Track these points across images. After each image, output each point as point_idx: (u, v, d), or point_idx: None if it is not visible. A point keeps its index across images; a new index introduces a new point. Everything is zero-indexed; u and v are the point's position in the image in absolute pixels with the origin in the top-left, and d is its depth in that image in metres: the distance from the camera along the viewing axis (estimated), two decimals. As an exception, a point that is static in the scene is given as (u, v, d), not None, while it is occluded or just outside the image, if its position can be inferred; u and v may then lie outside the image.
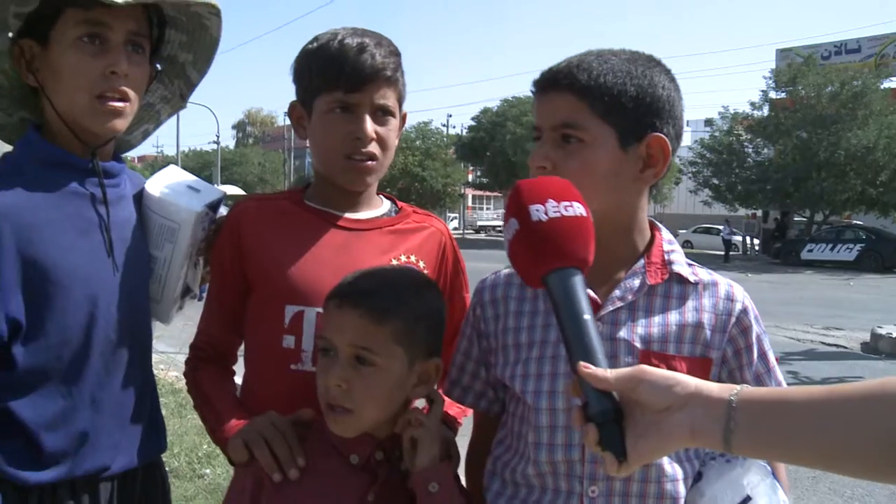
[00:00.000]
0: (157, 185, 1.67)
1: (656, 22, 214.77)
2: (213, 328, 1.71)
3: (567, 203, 1.14)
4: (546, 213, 1.13)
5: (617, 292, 1.40)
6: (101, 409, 1.54)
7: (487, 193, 62.31)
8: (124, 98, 1.51)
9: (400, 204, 1.77)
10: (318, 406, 1.42)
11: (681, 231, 37.02)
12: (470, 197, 66.03)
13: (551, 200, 1.14)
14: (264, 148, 79.19)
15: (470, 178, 51.47)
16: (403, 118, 1.71)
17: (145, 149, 79.41)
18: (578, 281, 1.11)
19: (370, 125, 1.59)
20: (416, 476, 1.39)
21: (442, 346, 1.51)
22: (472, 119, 46.48)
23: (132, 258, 1.60)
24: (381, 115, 1.61)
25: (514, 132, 40.16)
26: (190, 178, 1.74)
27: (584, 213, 1.16)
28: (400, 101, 1.66)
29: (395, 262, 1.63)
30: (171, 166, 1.77)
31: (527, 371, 1.43)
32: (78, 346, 1.50)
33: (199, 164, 65.07)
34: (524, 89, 48.40)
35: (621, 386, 1.01)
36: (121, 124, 1.54)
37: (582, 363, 1.04)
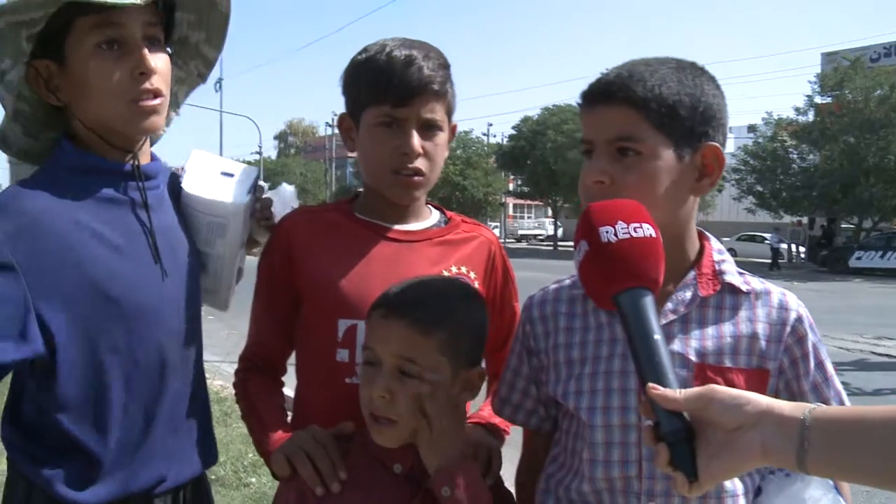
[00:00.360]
0: (194, 183, 1.64)
1: (697, 26, 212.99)
2: (264, 338, 1.71)
3: (636, 224, 1.15)
4: (616, 235, 1.13)
5: (669, 305, 1.38)
6: (155, 420, 1.52)
7: (528, 202, 62.30)
8: (157, 94, 1.47)
9: (449, 214, 1.77)
10: None
11: (724, 239, 36.53)
12: (511, 206, 65.98)
13: (621, 222, 1.14)
14: (306, 158, 79.98)
15: (511, 186, 51.47)
16: (453, 130, 1.70)
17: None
18: (649, 301, 1.11)
19: (417, 140, 1.57)
20: (430, 479, 1.38)
21: (482, 355, 1.50)
22: (513, 128, 46.58)
23: (181, 263, 1.57)
24: (429, 129, 1.60)
25: (554, 140, 40.08)
26: (219, 162, 1.72)
27: (654, 235, 1.16)
28: (449, 113, 1.64)
29: (445, 274, 1.62)
30: (196, 153, 1.73)
31: (580, 387, 1.41)
32: (129, 356, 1.47)
33: (241, 174, 65.87)
34: (564, 97, 48.34)
35: (691, 406, 1.01)
36: (159, 121, 1.51)
37: (651, 384, 1.04)
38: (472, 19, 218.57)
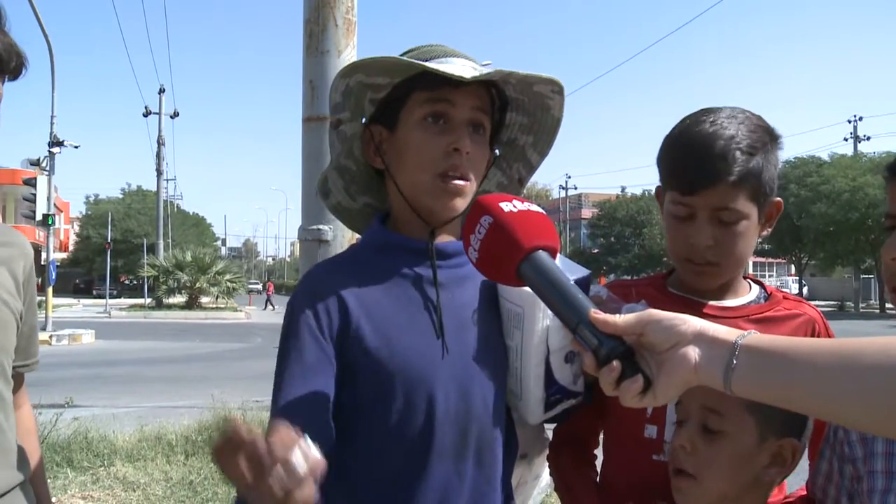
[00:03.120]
0: None
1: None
2: (576, 414, 1.65)
3: (528, 204, 1.19)
4: (515, 207, 1.17)
5: None
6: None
7: (769, 260, 59.38)
8: (465, 177, 1.45)
9: (769, 289, 1.69)
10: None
11: None
12: (750, 264, 62.93)
13: (515, 201, 1.19)
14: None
15: (750, 243, 49.17)
16: (776, 206, 1.60)
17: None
18: (551, 259, 1.13)
19: (707, 231, 1.51)
20: None
21: (804, 430, 1.40)
22: (751, 182, 44.70)
23: (466, 343, 1.47)
24: (722, 222, 1.51)
25: (797, 194, 38.07)
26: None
27: (544, 213, 1.20)
28: (756, 197, 1.52)
29: None
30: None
31: None
32: (395, 427, 1.41)
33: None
34: (806, 149, 46.02)
35: (630, 330, 1.02)
36: (461, 204, 1.47)
37: (593, 311, 1.04)
38: (705, 71, 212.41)
